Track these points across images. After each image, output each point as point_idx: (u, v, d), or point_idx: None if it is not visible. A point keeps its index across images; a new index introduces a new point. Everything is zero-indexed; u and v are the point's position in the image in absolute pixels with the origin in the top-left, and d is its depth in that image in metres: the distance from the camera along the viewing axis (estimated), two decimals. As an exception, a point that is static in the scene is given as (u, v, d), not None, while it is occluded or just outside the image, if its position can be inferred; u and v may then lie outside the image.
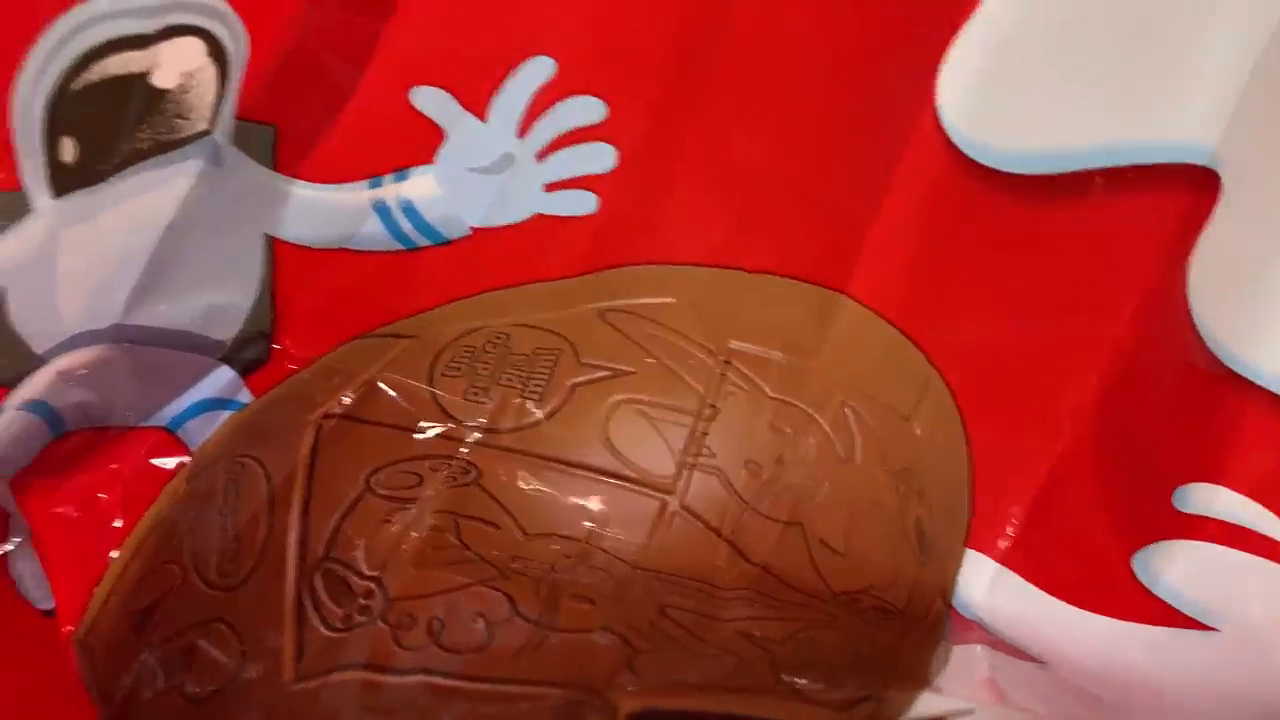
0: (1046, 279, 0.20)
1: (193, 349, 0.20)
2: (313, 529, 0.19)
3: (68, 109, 0.17)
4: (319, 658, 0.18)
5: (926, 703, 0.18)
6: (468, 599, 0.18)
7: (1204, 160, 0.19)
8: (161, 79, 0.17)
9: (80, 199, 0.18)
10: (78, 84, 0.17)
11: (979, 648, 0.20)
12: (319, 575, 0.18)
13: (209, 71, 0.17)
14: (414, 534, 0.19)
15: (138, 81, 0.17)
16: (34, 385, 0.19)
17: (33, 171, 0.18)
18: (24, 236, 0.18)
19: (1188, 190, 0.19)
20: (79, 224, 0.18)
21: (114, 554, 0.19)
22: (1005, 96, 0.19)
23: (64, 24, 0.17)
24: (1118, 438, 0.20)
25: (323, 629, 0.18)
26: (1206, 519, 0.19)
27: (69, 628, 0.18)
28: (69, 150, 0.18)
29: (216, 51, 0.17)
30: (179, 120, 0.18)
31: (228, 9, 0.17)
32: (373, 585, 0.19)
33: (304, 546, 0.19)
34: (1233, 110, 0.18)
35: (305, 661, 0.18)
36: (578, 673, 0.18)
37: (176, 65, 0.17)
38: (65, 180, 0.18)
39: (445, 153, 0.19)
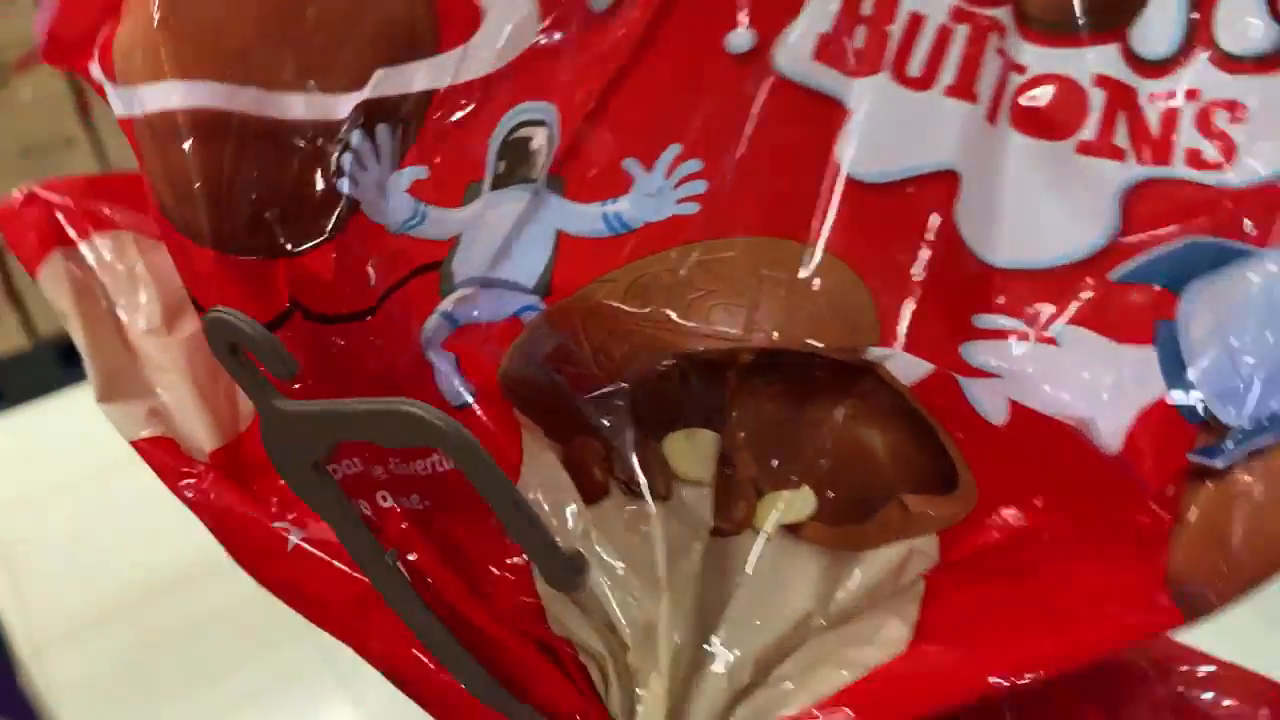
0: (896, 228, 0.39)
1: (512, 289, 0.39)
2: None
3: (505, 147, 0.36)
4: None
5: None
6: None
7: (948, 167, 0.37)
8: (533, 145, 0.37)
9: (499, 194, 0.38)
10: (509, 138, 0.36)
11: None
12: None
13: (546, 146, 0.38)
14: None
15: (527, 143, 0.37)
16: (447, 301, 0.38)
17: (487, 175, 0.37)
18: (474, 209, 0.37)
19: (947, 181, 0.37)
20: (507, 206, 0.38)
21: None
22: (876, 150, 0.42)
23: (514, 110, 0.37)
24: (943, 291, 0.40)
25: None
26: (991, 329, 0.39)
27: (492, 373, 0.37)
28: (501, 167, 0.37)
29: (550, 137, 0.38)
30: (530, 168, 0.37)
31: (556, 115, 0.38)
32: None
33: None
34: (956, 143, 0.40)
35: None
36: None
37: (539, 141, 0.38)
38: (496, 183, 0.37)
39: (634, 188, 0.36)
